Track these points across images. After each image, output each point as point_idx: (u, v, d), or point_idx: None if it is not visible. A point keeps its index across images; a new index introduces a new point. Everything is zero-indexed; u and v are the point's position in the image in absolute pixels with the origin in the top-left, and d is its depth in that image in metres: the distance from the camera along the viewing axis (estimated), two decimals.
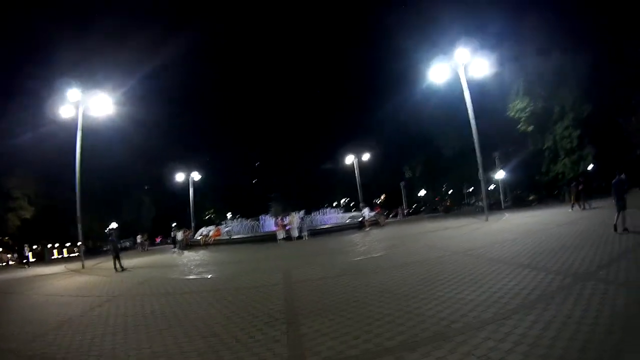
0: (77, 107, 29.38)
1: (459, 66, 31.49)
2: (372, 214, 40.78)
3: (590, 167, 47.45)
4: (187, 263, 24.72)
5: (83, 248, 32.72)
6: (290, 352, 6.29)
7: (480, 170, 31.86)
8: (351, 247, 22.55)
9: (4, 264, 40.93)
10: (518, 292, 8.12)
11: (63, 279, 21.76)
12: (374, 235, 30.63)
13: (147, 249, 53.65)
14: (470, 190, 76.33)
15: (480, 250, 14.55)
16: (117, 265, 22.75)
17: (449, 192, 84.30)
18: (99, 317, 10.35)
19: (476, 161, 31.89)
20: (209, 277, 16.89)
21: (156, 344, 7.46)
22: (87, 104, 29.94)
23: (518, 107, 45.08)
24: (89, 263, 31.67)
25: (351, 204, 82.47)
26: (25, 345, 8.16)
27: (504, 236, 18.04)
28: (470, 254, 13.99)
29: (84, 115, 30.48)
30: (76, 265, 29.73)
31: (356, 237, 30.34)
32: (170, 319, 9.28)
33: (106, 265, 26.07)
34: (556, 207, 31.64)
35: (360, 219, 39.90)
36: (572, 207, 29.47)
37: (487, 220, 29.14)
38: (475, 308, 7.38)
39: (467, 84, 31.48)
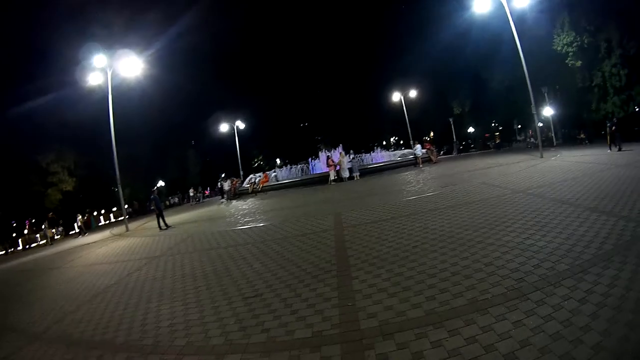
0: (106, 72, 28.45)
1: None
2: (424, 150, 39.31)
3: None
4: (234, 213, 23.82)
5: (126, 210, 32.30)
6: (342, 315, 5.47)
7: (533, 104, 30.31)
8: (404, 186, 21.19)
9: (47, 240, 40.94)
10: (591, 239, 7.30)
11: (105, 245, 21.15)
12: (427, 172, 28.75)
13: (202, 201, 54.13)
14: (519, 127, 73.78)
15: (541, 190, 13.43)
16: (162, 224, 22.43)
17: (499, 129, 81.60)
18: (135, 282, 9.94)
19: (525, 96, 30.48)
20: (254, 226, 16.00)
21: (192, 309, 6.88)
22: (116, 67, 29.02)
23: (564, 41, 42.90)
24: (134, 225, 31.95)
25: (400, 142, 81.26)
26: (54, 326, 7.86)
27: (563, 175, 16.87)
28: (532, 193, 12.93)
29: (117, 78, 30.15)
30: (121, 229, 29.16)
31: (409, 175, 28.81)
32: (210, 278, 8.69)
33: (151, 225, 25.99)
34: (605, 147, 29.87)
35: (412, 157, 38.69)
36: (610, 147, 28.27)
37: (542, 157, 27.74)
38: (548, 258, 6.58)
39: (513, 15, 29.69)
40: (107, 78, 28.28)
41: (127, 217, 32.21)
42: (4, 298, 12.51)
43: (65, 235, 41.90)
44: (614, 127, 28.65)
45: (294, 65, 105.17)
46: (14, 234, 55.55)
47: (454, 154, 62.74)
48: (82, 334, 7.00)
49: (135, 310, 7.47)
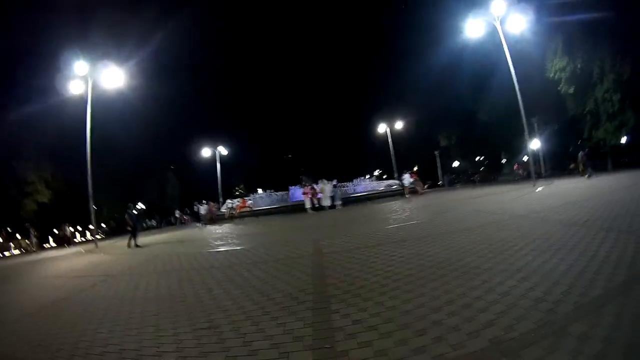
0: (87, 81, 28.07)
1: (495, 20, 29.38)
2: (412, 180, 38.51)
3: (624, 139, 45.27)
4: (206, 236, 23.17)
5: (102, 229, 31.88)
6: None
7: (527, 132, 30.57)
8: (391, 214, 20.29)
9: (21, 249, 40.82)
10: (617, 260, 6.35)
11: (71, 260, 20.40)
12: (415, 202, 28.28)
13: (182, 224, 54.06)
14: (505, 161, 73.48)
15: (542, 213, 12.56)
16: (132, 242, 21.77)
17: (484, 163, 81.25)
18: (83, 300, 8.90)
19: (513, 127, 30.43)
20: (224, 250, 14.81)
21: (131, 337, 5.67)
22: (98, 77, 28.72)
23: (558, 66, 42.59)
24: (107, 243, 31.76)
25: (384, 176, 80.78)
26: None
27: (562, 199, 16.16)
28: (534, 217, 12.01)
29: (98, 92, 29.75)
30: (91, 245, 28.82)
31: (395, 204, 28.14)
32: (163, 303, 7.42)
33: (122, 244, 24.93)
34: (597, 176, 30.26)
35: (397, 187, 38.62)
36: (584, 175, 30.64)
37: (534, 186, 27.29)
38: (576, 282, 5.45)
39: (499, 44, 29.85)
40: (87, 87, 27.72)
41: (98, 234, 31.60)
42: None
43: (39, 247, 40.70)
44: (585, 157, 31.64)
45: (279, 94, 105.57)
46: None
47: (445, 185, 61.94)
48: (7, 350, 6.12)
49: (71, 331, 6.39)
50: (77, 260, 19.88)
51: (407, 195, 35.66)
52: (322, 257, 9.82)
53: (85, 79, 27.91)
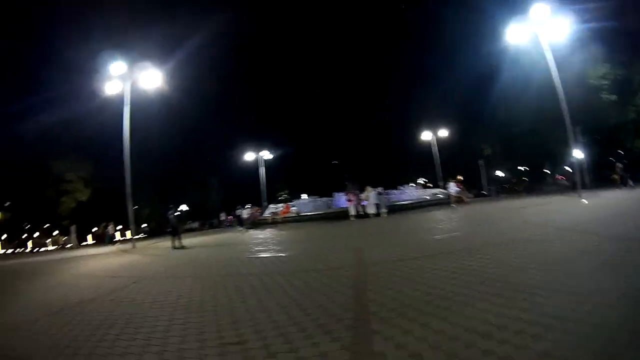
0: (124, 81, 28.63)
1: (536, 26, 28.74)
2: (457, 190, 38.08)
3: None
4: (247, 241, 22.67)
5: (142, 229, 32.06)
6: None
7: (571, 142, 30.26)
8: (436, 224, 19.81)
9: (57, 246, 41.39)
10: None
11: (106, 259, 20.48)
12: (460, 211, 27.65)
13: (230, 227, 52.80)
14: (548, 170, 72.24)
15: (590, 226, 11.97)
16: (176, 243, 21.56)
17: (525, 172, 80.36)
18: (110, 302, 8.63)
19: (555, 137, 29.67)
20: (264, 256, 14.34)
21: (153, 347, 5.27)
22: (136, 78, 29.27)
23: (598, 74, 41.55)
24: (145, 243, 32.43)
25: (428, 184, 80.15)
26: (2, 334, 7.04)
27: (610, 211, 15.61)
28: (583, 230, 11.41)
29: (138, 93, 30.46)
30: (129, 245, 28.87)
31: (441, 213, 27.38)
32: (192, 311, 7.04)
33: (160, 245, 25.56)
34: (634, 187, 30.07)
35: (441, 195, 38.47)
36: (622, 186, 31.10)
37: (579, 197, 26.15)
38: (638, 305, 4.77)
39: (542, 50, 29.30)
40: (125, 88, 28.12)
41: (137, 234, 31.54)
42: None
43: (79, 244, 41.13)
44: (622, 169, 32.17)
45: (325, 100, 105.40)
46: (25, 236, 55.76)
47: (492, 195, 60.87)
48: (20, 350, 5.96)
49: (91, 335, 6.09)
50: (112, 259, 19.87)
51: (453, 205, 34.93)
52: (364, 269, 9.36)
53: (123, 79, 28.30)
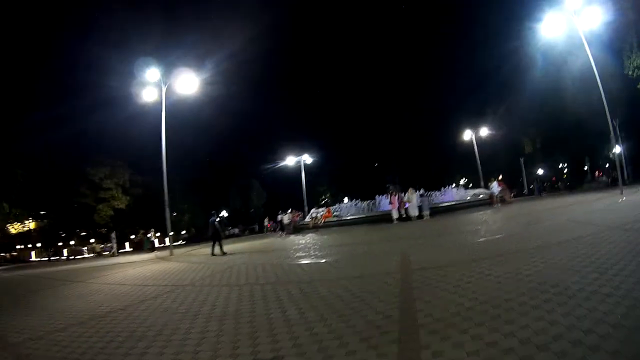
0: (160, 87, 28.77)
1: (572, 15, 27.95)
2: (499, 189, 37.55)
3: None
4: (288, 247, 22.45)
5: (181, 236, 32.17)
6: None
7: (612, 136, 29.62)
8: (481, 225, 19.17)
9: (94, 254, 42.00)
10: None
11: (142, 267, 20.34)
12: (504, 211, 27.50)
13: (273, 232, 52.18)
14: (587, 167, 71.09)
15: (638, 225, 11.41)
16: (218, 250, 21.39)
17: (565, 171, 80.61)
18: (142, 312, 8.41)
19: (597, 129, 28.87)
20: (305, 262, 14.05)
21: None
22: (172, 83, 29.42)
23: (635, 63, 40.24)
24: (183, 250, 32.13)
25: (469, 185, 79.30)
26: (28, 342, 6.91)
27: None
28: (632, 229, 10.89)
29: (178, 99, 31.17)
30: (166, 252, 28.90)
31: (484, 214, 27.08)
32: (227, 322, 6.69)
33: (199, 252, 25.41)
34: None
35: (483, 196, 38.77)
36: None
37: (622, 193, 25.81)
38: None
39: (577, 38, 28.94)
40: (161, 94, 28.25)
41: (175, 241, 31.63)
42: (10, 302, 12.57)
43: (117, 251, 41.47)
44: None
45: (366, 102, 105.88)
46: (60, 243, 56.39)
47: (535, 193, 59.66)
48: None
49: (117, 348, 5.92)
50: (148, 267, 19.81)
51: (496, 205, 34.63)
52: (410, 275, 8.87)
53: (158, 84, 28.47)
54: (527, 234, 13.24)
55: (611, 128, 28.27)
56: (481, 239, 13.58)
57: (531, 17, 33.84)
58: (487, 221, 21.06)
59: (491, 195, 36.45)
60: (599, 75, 27.83)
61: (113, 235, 41.49)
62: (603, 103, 27.42)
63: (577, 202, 24.84)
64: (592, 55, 28.42)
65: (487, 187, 41.85)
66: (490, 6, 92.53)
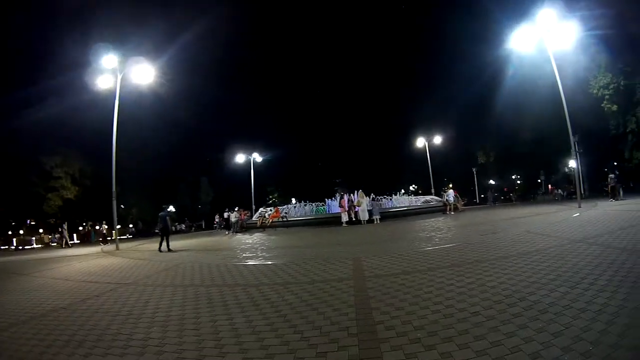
0: (116, 75, 28.02)
1: (540, 33, 27.89)
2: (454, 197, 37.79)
3: None
4: (235, 246, 21.73)
5: (129, 230, 31.39)
6: None
7: (573, 152, 30.02)
8: (435, 233, 18.64)
9: (43, 244, 41.17)
10: None
11: (88, 261, 19.66)
12: (458, 219, 26.66)
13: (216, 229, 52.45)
14: (542, 180, 72.24)
15: (601, 238, 11.30)
16: (164, 246, 20.89)
17: (518, 182, 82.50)
18: (81, 313, 7.96)
19: (553, 147, 29.36)
20: (253, 264, 13.32)
21: None
22: (127, 72, 28.65)
23: (601, 83, 41.24)
24: (131, 244, 31.57)
25: (419, 192, 79.87)
26: None
27: (619, 223, 14.69)
28: (596, 243, 10.66)
29: (130, 91, 30.71)
30: (112, 246, 28.21)
31: (437, 221, 26.24)
32: (169, 330, 6.18)
33: (146, 247, 24.99)
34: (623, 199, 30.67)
35: (434, 203, 38.81)
36: (612, 199, 31.72)
37: (580, 207, 25.96)
38: None
39: (543, 58, 29.50)
40: (116, 82, 27.63)
41: (122, 235, 31.09)
42: None
43: (65, 243, 40.38)
44: (614, 180, 32.69)
45: (318, 106, 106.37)
46: (9, 233, 55.21)
47: (490, 203, 60.02)
48: None
49: (56, 355, 5.49)
50: (94, 261, 19.20)
51: (450, 212, 34.56)
52: (365, 282, 8.38)
53: (114, 72, 27.77)
54: (485, 243, 12.85)
55: (572, 144, 28.86)
56: (436, 247, 13.19)
57: (496, 33, 34.31)
58: (440, 228, 20.72)
59: (445, 203, 36.24)
60: (564, 92, 27.98)
61: (65, 226, 40.42)
62: (563, 119, 27.65)
63: (533, 214, 24.83)
64: (561, 71, 28.66)
65: (438, 194, 42.20)
66: (454, 20, 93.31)
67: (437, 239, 15.57)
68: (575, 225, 15.80)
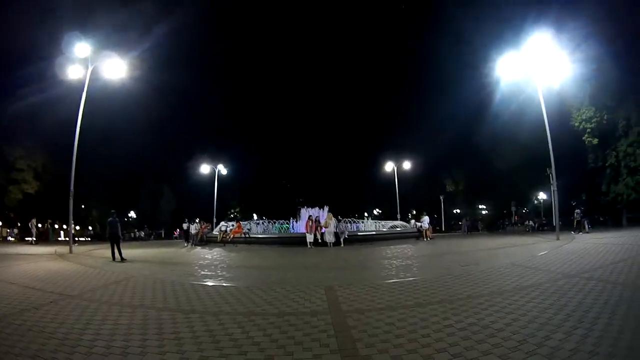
0: (86, 67, 26.87)
1: (525, 64, 27.61)
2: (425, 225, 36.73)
3: None
4: (193, 261, 20.57)
5: (87, 232, 30.27)
6: None
7: (553, 184, 31.14)
8: (411, 261, 17.64)
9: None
10: None
11: (37, 262, 18.52)
12: (431, 247, 25.84)
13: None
14: (514, 210, 72.77)
15: (595, 273, 10.95)
16: (116, 254, 19.45)
17: (483, 212, 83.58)
18: (17, 327, 7.04)
19: (527, 179, 29.18)
20: (211, 285, 11.86)
21: None
22: (98, 65, 27.50)
23: (583, 116, 41.43)
24: (86, 248, 30.22)
25: (383, 217, 79.60)
26: None
27: (611, 257, 14.42)
28: (593, 278, 10.25)
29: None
30: (65, 248, 26.45)
31: (408, 248, 24.83)
32: None
33: (100, 253, 23.66)
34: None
35: (400, 229, 38.37)
36: (575, 231, 33.12)
37: (558, 239, 25.39)
38: None
39: (528, 90, 30.67)
40: (86, 74, 26.82)
41: (79, 236, 29.84)
42: None
43: (20, 239, 39.01)
44: (580, 214, 34.67)
45: (283, 125, 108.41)
46: None
47: (465, 231, 59.33)
48: None
49: None
50: (44, 264, 18.13)
51: (426, 239, 34.02)
52: (345, 319, 7.13)
53: (85, 63, 26.81)
54: (470, 275, 11.85)
55: (551, 176, 30.10)
56: (416, 277, 12.04)
57: (473, 62, 34.24)
58: (414, 257, 19.83)
59: (419, 229, 35.55)
60: (548, 125, 27.72)
61: (33, 221, 39.23)
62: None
63: (510, 245, 24.15)
64: (544, 107, 28.40)
65: (404, 219, 42.15)
66: (427, 46, 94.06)
67: (414, 268, 14.79)
68: (562, 258, 15.23)
